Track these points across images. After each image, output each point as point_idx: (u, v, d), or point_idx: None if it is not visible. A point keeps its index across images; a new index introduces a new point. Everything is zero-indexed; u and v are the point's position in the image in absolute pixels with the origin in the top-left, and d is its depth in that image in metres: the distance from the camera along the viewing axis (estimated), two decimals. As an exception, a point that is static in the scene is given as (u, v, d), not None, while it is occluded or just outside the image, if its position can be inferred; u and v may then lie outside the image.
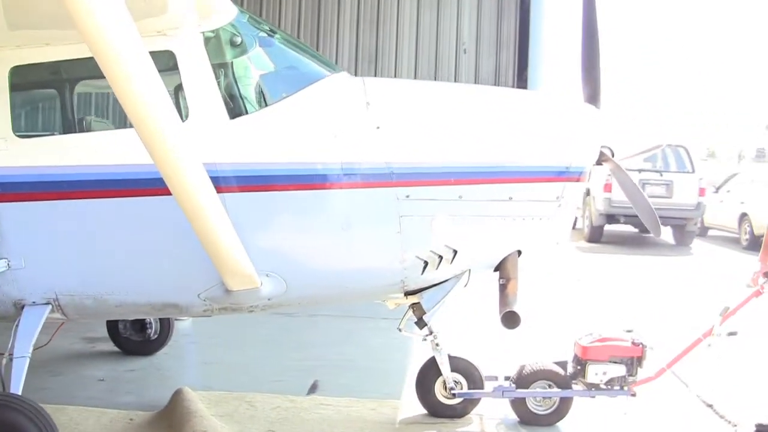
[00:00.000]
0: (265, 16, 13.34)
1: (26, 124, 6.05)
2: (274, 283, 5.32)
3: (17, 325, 5.16)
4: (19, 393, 4.87)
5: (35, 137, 5.59)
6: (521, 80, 13.41)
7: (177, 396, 6.29)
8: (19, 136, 5.23)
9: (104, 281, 5.35)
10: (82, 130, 5.90)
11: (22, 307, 5.26)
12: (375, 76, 13.35)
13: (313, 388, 6.95)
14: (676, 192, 19.23)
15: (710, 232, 23.04)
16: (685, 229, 20.09)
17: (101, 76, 4.18)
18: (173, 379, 7.18)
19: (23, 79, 5.50)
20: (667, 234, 20.66)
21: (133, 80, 4.11)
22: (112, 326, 7.89)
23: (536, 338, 8.03)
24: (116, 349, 7.99)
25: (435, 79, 13.40)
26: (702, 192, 19.60)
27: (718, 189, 22.18)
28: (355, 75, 6.35)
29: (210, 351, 8.38)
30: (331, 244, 5.37)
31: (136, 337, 7.88)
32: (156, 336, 7.90)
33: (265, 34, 6.04)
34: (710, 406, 6.73)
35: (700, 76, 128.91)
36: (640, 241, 21.11)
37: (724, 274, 14.48)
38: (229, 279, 5.12)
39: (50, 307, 5.31)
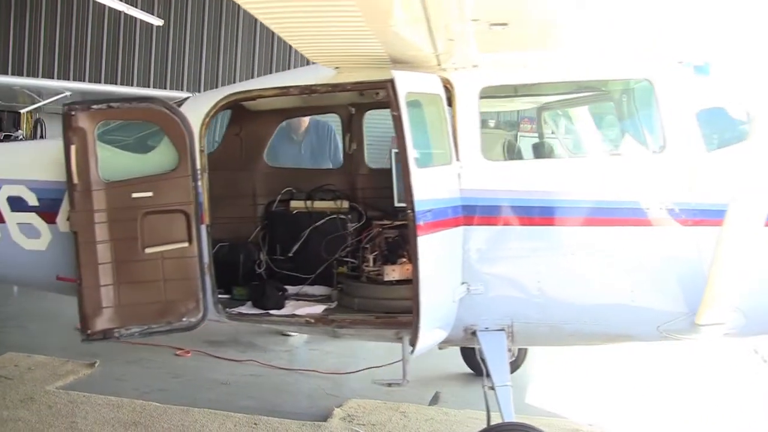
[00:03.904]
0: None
1: (493, 147, 5.99)
2: (735, 317, 5.08)
3: (483, 354, 5.15)
4: (513, 420, 4.98)
5: (503, 160, 5.59)
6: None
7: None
8: (487, 159, 5.25)
9: (565, 310, 5.22)
10: (548, 156, 5.93)
11: (473, 333, 5.22)
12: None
13: (434, 400, 6.83)
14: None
15: None
16: None
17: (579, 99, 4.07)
18: (294, 386, 7.22)
19: (493, 100, 5.52)
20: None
21: None
22: (468, 348, 7.48)
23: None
24: (238, 352, 8.07)
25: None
26: None
27: None
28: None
29: (322, 359, 8.16)
30: None
31: None
32: (512, 359, 7.61)
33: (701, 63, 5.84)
34: None
35: None
36: None
37: None
38: (706, 313, 4.89)
39: (505, 333, 5.24)
